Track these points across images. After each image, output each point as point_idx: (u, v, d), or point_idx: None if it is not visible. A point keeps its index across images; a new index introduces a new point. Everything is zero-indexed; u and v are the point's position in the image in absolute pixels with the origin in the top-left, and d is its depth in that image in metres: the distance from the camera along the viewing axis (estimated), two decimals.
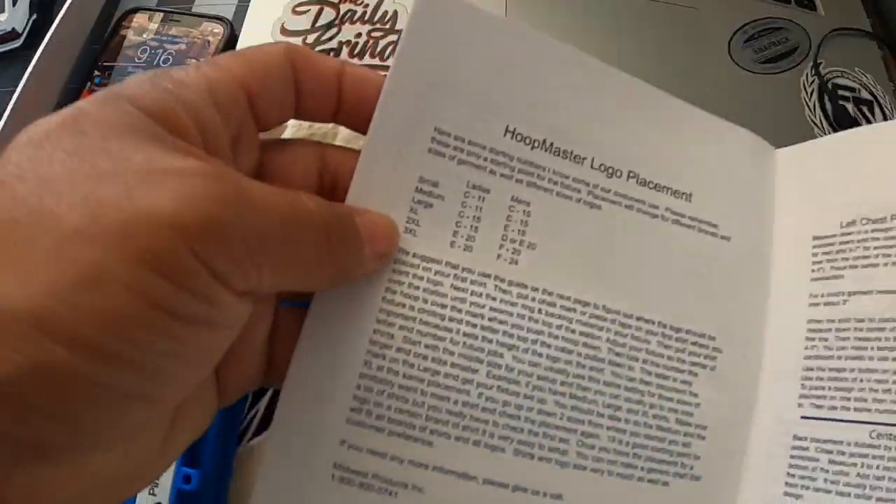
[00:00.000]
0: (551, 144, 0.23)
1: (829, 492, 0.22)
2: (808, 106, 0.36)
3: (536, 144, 0.23)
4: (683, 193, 0.24)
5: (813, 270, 0.24)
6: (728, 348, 0.23)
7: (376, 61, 0.35)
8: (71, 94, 0.40)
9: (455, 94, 0.21)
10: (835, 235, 0.24)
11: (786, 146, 0.34)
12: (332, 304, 0.20)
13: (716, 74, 0.37)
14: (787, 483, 0.22)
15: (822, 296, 0.24)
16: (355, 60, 0.35)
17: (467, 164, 0.22)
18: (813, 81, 0.36)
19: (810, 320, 0.24)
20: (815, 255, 0.25)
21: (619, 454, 0.21)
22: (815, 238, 0.25)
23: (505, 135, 0.22)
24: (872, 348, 0.23)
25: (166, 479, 0.20)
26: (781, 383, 0.23)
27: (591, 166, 0.23)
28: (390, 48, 0.35)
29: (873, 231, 0.24)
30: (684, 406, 0.22)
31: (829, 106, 0.35)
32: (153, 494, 0.20)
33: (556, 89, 0.23)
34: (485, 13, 0.22)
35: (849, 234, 0.24)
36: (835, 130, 0.35)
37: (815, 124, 0.35)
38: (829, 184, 0.25)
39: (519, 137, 0.22)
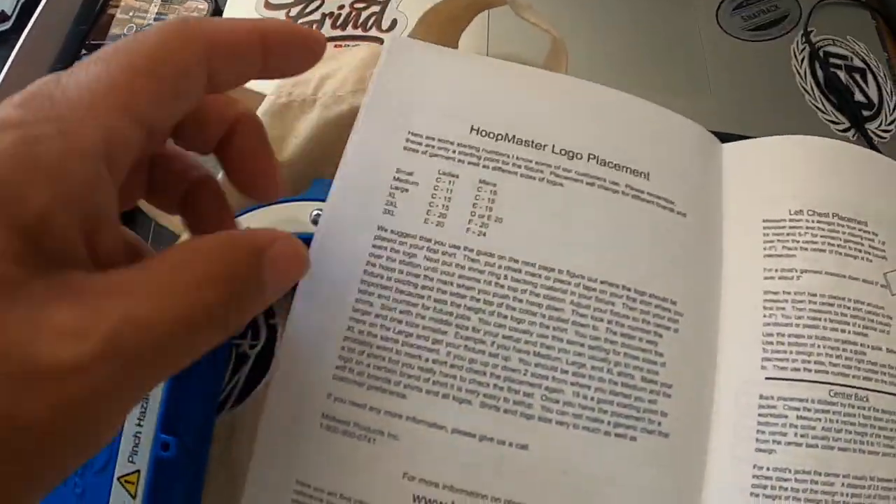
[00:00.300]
0: (514, 136, 0.26)
1: (799, 445, 0.23)
2: (798, 73, 0.36)
3: (500, 137, 0.25)
4: (642, 172, 0.26)
5: (765, 248, 0.26)
6: (689, 312, 0.24)
7: (359, 31, 0.37)
8: None
9: (424, 107, 0.26)
10: (784, 220, 0.26)
11: (777, 113, 0.35)
12: (320, 278, 0.23)
13: (704, 42, 0.37)
14: (757, 440, 0.23)
15: (776, 270, 0.25)
16: (338, 31, 0.37)
17: (438, 157, 0.25)
18: (804, 49, 0.36)
19: (766, 291, 0.25)
20: (766, 234, 0.26)
21: (583, 408, 0.23)
22: (766, 221, 0.26)
23: (471, 132, 0.25)
24: (825, 320, 0.24)
25: (144, 447, 0.21)
26: (743, 347, 0.25)
27: (553, 151, 0.25)
28: (373, 19, 0.37)
29: (818, 222, 0.26)
30: (650, 364, 0.24)
31: (820, 73, 0.35)
32: (132, 462, 0.21)
33: (511, 97, 0.27)
34: (441, 49, 0.27)
35: (798, 220, 0.26)
36: (826, 98, 0.35)
37: (806, 91, 0.35)
38: (777, 178, 0.27)
39: (483, 133, 0.25)
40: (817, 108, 0.35)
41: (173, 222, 0.32)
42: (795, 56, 0.36)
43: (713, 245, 0.27)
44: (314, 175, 0.28)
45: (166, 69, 0.14)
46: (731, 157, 0.28)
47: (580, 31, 0.37)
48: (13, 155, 0.12)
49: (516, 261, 0.24)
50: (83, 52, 0.41)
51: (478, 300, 0.23)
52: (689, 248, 0.26)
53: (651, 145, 0.27)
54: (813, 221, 0.26)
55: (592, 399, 0.23)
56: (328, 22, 0.37)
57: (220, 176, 0.29)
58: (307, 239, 0.25)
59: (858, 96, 0.35)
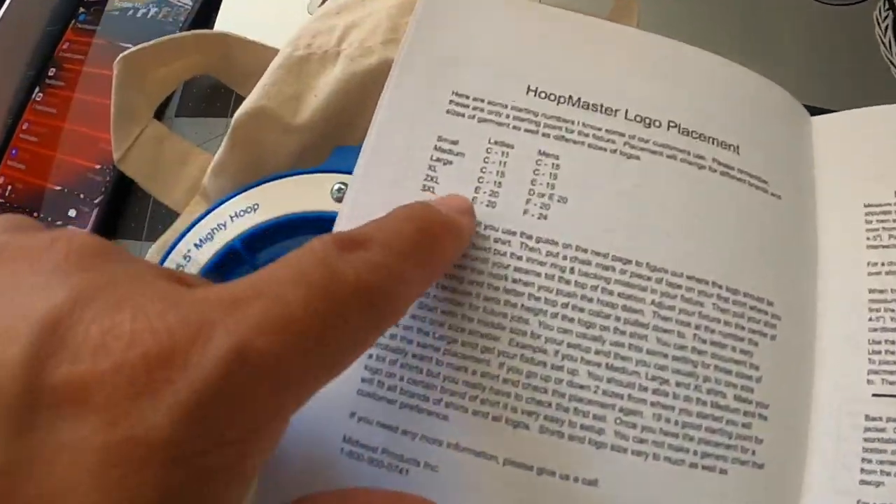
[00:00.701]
0: (578, 99, 0.21)
1: None
2: (883, 42, 0.31)
3: (562, 100, 0.21)
4: (730, 145, 0.21)
5: (868, 237, 0.22)
6: (787, 316, 0.20)
7: None
8: (51, 37, 0.36)
9: (470, 63, 0.22)
10: (890, 205, 0.22)
11: (860, 86, 0.30)
12: None
13: (783, 6, 0.33)
14: (863, 469, 0.19)
15: (883, 264, 0.21)
16: None
17: (489, 122, 0.21)
18: (887, 16, 0.31)
19: (872, 290, 0.21)
20: (868, 222, 0.22)
21: (666, 435, 0.18)
22: (868, 206, 0.22)
23: (527, 93, 0.21)
24: None
25: None
26: (845, 358, 0.20)
27: (626, 117, 0.21)
28: None
29: None
30: (744, 380, 0.19)
31: None
32: None
33: (576, 52, 0.22)
34: None
35: None
36: None
37: (892, 62, 0.30)
38: (880, 156, 0.23)
39: (542, 95, 0.21)
40: None
41: (173, 199, 0.28)
42: (878, 23, 0.31)
43: (809, 234, 0.22)
44: (336, 141, 0.24)
45: None
46: (823, 132, 0.24)
47: None
48: None
49: (584, 250, 0.19)
50: (80, 8, 0.37)
51: (538, 299, 0.19)
52: (784, 237, 0.21)
53: (739, 113, 0.22)
54: None
55: (677, 423, 0.18)
56: None
57: (217, 154, 0.24)
58: (328, 219, 0.20)
59: None
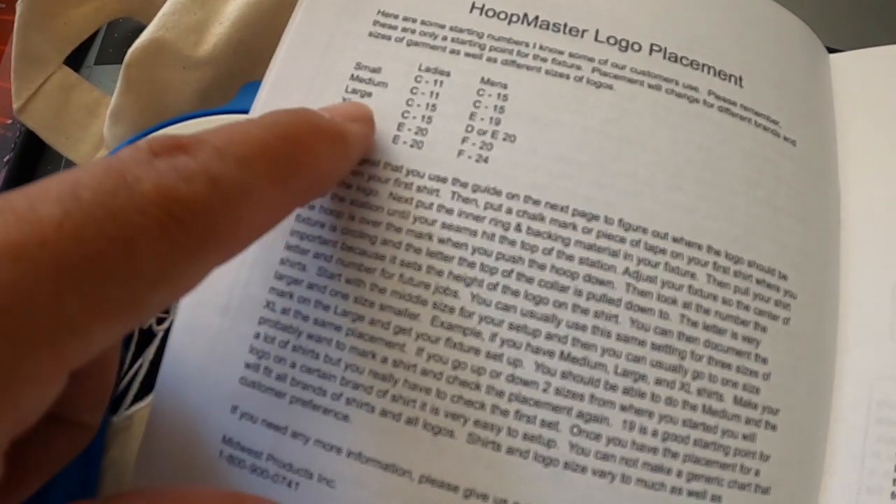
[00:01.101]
0: (536, 17, 0.17)
1: None
2: None
3: (515, 18, 0.17)
4: (730, 75, 0.17)
5: None
6: (804, 293, 0.16)
7: None
8: None
9: None
10: None
11: (887, 28, 0.25)
12: None
13: None
14: (894, 493, 0.15)
15: None
16: None
17: (420, 46, 0.16)
18: None
19: None
20: None
21: (640, 450, 0.14)
22: None
23: (471, 11, 0.17)
24: None
25: None
26: (875, 350, 0.16)
27: (596, 39, 0.17)
28: None
29: None
30: (747, 377, 0.15)
31: None
32: None
33: None
34: None
35: None
36: None
37: None
38: None
39: (491, 13, 0.17)
40: None
41: (79, 153, 0.24)
42: None
43: (831, 189, 0.18)
44: (244, 78, 0.20)
45: None
46: (845, 73, 0.20)
47: None
48: None
49: (536, 202, 0.15)
50: None
51: (471, 265, 0.14)
52: (801, 192, 0.17)
53: (743, 38, 0.18)
54: None
55: (655, 434, 0.14)
56: None
57: (112, 98, 0.20)
58: None
59: None
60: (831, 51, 0.20)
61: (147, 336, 0.19)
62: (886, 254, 0.17)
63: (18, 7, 0.24)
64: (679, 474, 0.14)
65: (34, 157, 0.27)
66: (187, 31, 0.19)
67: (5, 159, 0.27)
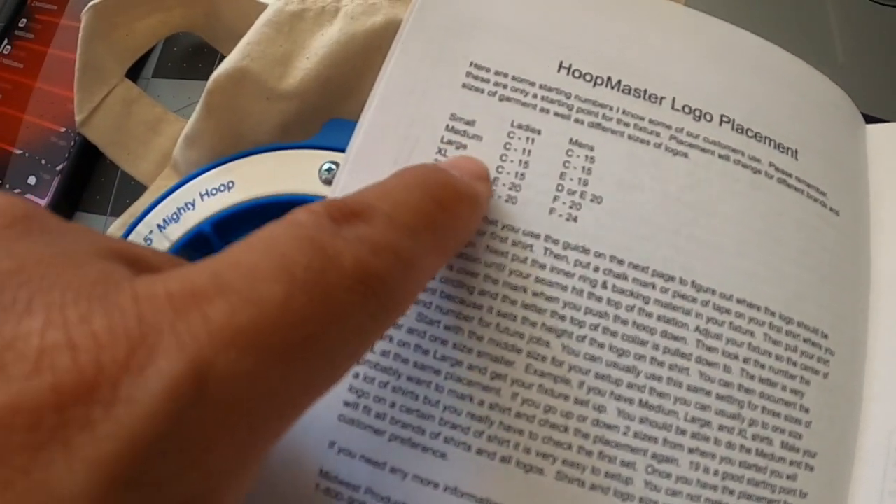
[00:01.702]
0: (619, 82, 0.18)
1: None
2: None
3: (600, 81, 0.18)
4: (788, 148, 0.18)
5: None
6: (840, 350, 0.17)
7: None
8: None
9: (493, 29, 0.18)
10: None
11: None
12: None
13: (840, 5, 0.29)
14: None
15: None
16: None
17: (512, 101, 0.17)
18: None
19: None
20: None
21: (704, 487, 0.15)
22: None
23: (559, 70, 0.18)
24: None
25: None
26: (894, 405, 0.17)
27: (673, 107, 0.18)
28: None
29: None
30: (793, 425, 0.16)
31: None
32: None
33: (618, 27, 0.19)
34: None
35: None
36: None
37: None
38: None
39: (577, 74, 0.18)
40: None
41: (140, 170, 0.24)
42: None
43: (864, 257, 0.19)
44: (330, 113, 0.21)
45: None
46: (879, 142, 0.21)
47: None
48: None
49: (621, 262, 0.16)
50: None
51: (562, 318, 0.16)
52: (841, 259, 0.19)
53: (798, 113, 0.19)
54: None
55: (717, 474, 0.15)
56: None
57: (190, 121, 0.21)
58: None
59: None
60: (868, 118, 0.22)
61: None
62: None
63: (84, 17, 0.24)
64: None
65: (88, 169, 0.28)
66: (273, 62, 0.20)
67: (59, 168, 0.27)
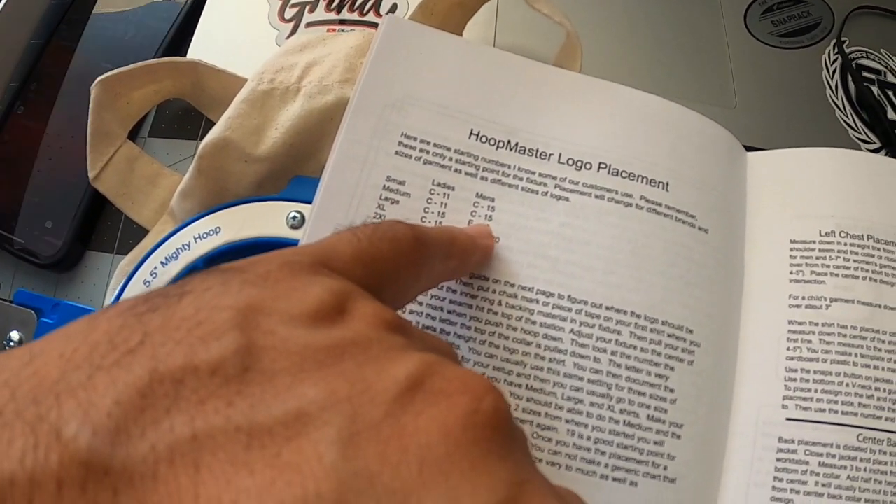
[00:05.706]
0: (516, 144, 0.23)
1: (820, 495, 0.21)
2: (829, 86, 0.33)
3: (501, 144, 0.23)
4: (660, 182, 0.23)
5: (791, 272, 0.23)
6: (706, 343, 0.22)
7: (355, 16, 0.33)
8: (34, 50, 0.36)
9: (419, 104, 0.23)
10: (814, 242, 0.24)
11: (805, 128, 0.32)
12: None
13: (730, 46, 0.34)
14: (774, 487, 0.21)
15: (803, 298, 0.23)
16: (332, 14, 0.34)
17: (433, 164, 0.22)
18: (836, 60, 0.33)
19: (791, 321, 0.23)
20: (793, 257, 0.24)
21: (578, 448, 0.20)
22: (793, 242, 0.24)
23: (469, 137, 0.23)
24: (856, 355, 0.22)
25: None
26: (763, 383, 0.22)
27: (559, 161, 0.23)
28: (371, 2, 0.34)
29: (852, 245, 0.23)
30: (658, 402, 0.21)
31: (852, 87, 0.32)
32: None
33: (514, 95, 0.24)
34: (442, 34, 0.24)
35: (828, 243, 0.24)
36: (857, 113, 0.32)
37: (837, 106, 0.32)
38: (807, 195, 0.25)
39: (483, 139, 0.23)
40: (848, 124, 0.32)
41: (142, 217, 0.29)
42: (827, 67, 0.33)
43: (735, 267, 0.24)
44: (294, 172, 0.26)
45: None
46: (757, 168, 0.25)
47: (596, 26, 0.34)
48: None
49: (513, 285, 0.21)
50: (62, 25, 0.38)
51: (468, 328, 0.21)
52: (709, 269, 0.23)
53: (671, 150, 0.24)
54: (846, 244, 0.23)
55: (589, 439, 0.21)
56: (322, 4, 0.34)
57: (184, 179, 0.26)
58: (284, 244, 0.22)
59: (891, 114, 0.32)
60: (749, 149, 0.25)
61: None
62: (774, 313, 0.23)
63: (93, 91, 0.29)
64: (606, 466, 0.21)
65: (97, 213, 0.32)
66: (249, 133, 0.25)
67: (73, 214, 0.32)
